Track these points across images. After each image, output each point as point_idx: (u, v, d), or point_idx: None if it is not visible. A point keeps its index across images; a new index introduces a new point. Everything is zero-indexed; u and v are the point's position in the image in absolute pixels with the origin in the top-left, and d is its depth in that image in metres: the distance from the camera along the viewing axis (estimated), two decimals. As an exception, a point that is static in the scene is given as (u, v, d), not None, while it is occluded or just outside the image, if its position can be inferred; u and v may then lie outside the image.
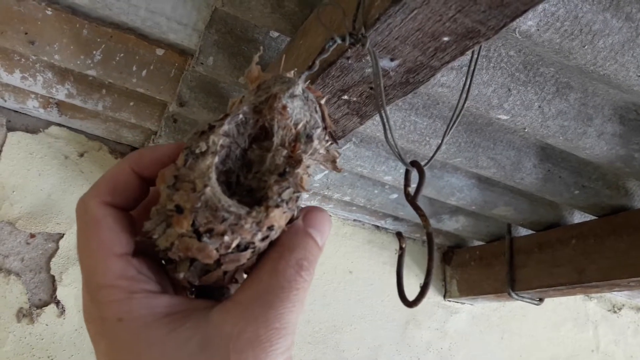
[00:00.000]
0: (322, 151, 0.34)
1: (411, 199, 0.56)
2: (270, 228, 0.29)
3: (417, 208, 0.52)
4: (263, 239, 0.29)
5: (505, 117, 0.83)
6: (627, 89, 0.73)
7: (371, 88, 0.55)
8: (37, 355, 1.13)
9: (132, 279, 0.29)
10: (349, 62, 0.51)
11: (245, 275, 0.32)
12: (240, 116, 0.33)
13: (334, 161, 0.35)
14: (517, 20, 0.63)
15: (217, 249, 0.28)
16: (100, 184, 0.31)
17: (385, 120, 0.52)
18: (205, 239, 0.28)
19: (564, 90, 0.82)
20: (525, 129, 0.86)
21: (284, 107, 0.33)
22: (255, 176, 0.32)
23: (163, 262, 0.31)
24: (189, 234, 0.28)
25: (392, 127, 0.54)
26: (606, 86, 0.79)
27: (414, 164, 0.66)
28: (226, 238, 0.28)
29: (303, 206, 0.32)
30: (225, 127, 0.31)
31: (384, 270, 1.49)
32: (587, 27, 0.65)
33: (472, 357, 1.59)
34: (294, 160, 0.33)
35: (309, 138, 0.34)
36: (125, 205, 0.31)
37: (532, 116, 0.83)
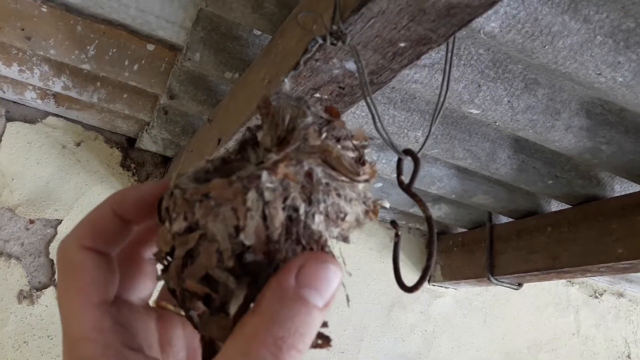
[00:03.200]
0: (315, 142, 0.33)
1: (406, 187, 0.60)
2: (207, 196, 0.28)
3: (413, 195, 0.56)
4: (205, 215, 0.27)
5: (476, 112, 0.88)
6: (589, 85, 0.78)
7: (340, 87, 0.60)
8: (37, 334, 1.19)
9: (107, 331, 0.27)
10: (318, 63, 0.56)
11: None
12: (247, 134, 0.34)
13: (331, 152, 0.32)
14: (481, 22, 0.68)
15: (169, 231, 0.29)
16: (80, 227, 0.30)
17: (373, 109, 0.56)
18: (164, 222, 0.29)
19: (532, 86, 0.87)
20: (496, 122, 0.91)
21: (268, 103, 0.36)
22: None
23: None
24: (158, 224, 0.30)
25: (380, 116, 0.58)
26: (571, 82, 0.84)
27: (408, 152, 0.70)
28: (173, 214, 0.28)
29: (301, 251, 0.28)
30: (236, 145, 0.31)
31: (370, 255, 1.55)
32: (547, 29, 0.69)
33: (455, 340, 1.65)
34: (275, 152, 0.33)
35: (295, 128, 0.34)
36: (107, 248, 0.30)
37: (502, 110, 0.88)
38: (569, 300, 1.89)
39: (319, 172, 0.30)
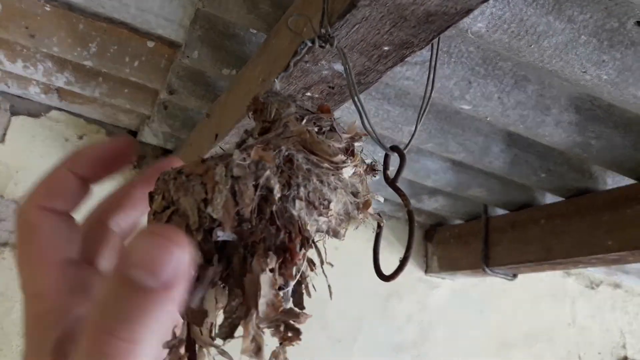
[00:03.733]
0: (294, 128, 0.34)
1: (391, 181, 0.63)
2: (180, 172, 0.29)
3: (397, 189, 0.58)
4: (178, 190, 0.28)
5: (467, 107, 0.90)
6: (576, 83, 0.80)
7: (330, 87, 0.63)
8: (41, 323, 1.23)
9: (62, 290, 0.27)
10: (307, 65, 0.58)
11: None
12: (244, 136, 0.36)
13: (306, 134, 0.32)
14: (468, 22, 0.71)
15: (153, 213, 0.29)
16: (36, 188, 0.29)
17: (360, 108, 0.59)
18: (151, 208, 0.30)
19: (522, 83, 0.89)
20: (487, 117, 0.93)
21: (257, 100, 0.38)
22: None
23: None
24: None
25: (367, 114, 0.60)
26: (560, 79, 0.86)
27: (394, 148, 0.72)
28: (155, 196, 0.30)
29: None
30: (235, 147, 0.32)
31: (368, 247, 1.56)
32: (532, 29, 0.72)
33: (451, 330, 1.68)
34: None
35: (277, 118, 0.36)
36: (64, 207, 0.29)
37: (492, 106, 0.90)
38: (566, 291, 1.92)
39: (299, 158, 0.30)
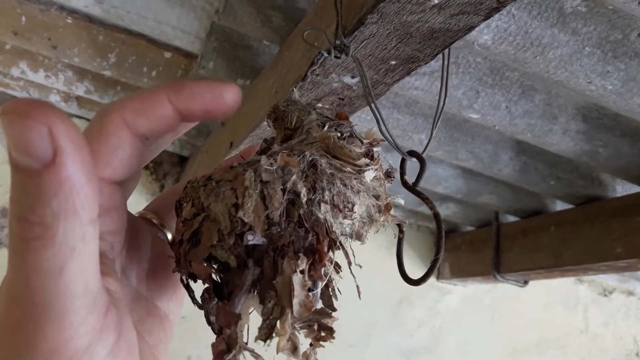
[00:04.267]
0: (316, 134, 0.34)
1: (412, 186, 0.64)
2: (209, 178, 0.29)
3: (418, 193, 0.60)
4: (209, 196, 0.29)
5: (476, 116, 0.92)
6: (581, 92, 0.82)
7: (340, 99, 0.65)
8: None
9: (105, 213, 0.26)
10: (318, 77, 0.61)
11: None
12: (263, 144, 0.37)
13: (329, 140, 0.33)
14: (474, 35, 0.73)
15: (182, 221, 0.30)
16: (129, 99, 0.26)
17: (377, 114, 0.60)
18: (179, 213, 0.31)
19: (529, 92, 0.91)
20: (495, 126, 0.95)
21: (277, 107, 0.39)
22: None
23: None
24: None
25: (385, 120, 0.62)
26: (566, 89, 0.88)
27: (412, 153, 0.74)
28: (184, 203, 0.31)
29: None
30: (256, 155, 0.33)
31: (379, 252, 1.60)
32: (537, 41, 0.73)
33: (463, 336, 1.69)
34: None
35: (300, 125, 0.36)
36: (146, 132, 0.27)
37: (500, 115, 0.92)
38: (578, 298, 1.92)
39: (323, 162, 0.31)
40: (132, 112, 0.26)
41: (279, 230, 0.28)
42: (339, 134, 0.35)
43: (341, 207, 0.30)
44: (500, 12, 0.70)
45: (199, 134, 1.23)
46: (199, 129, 1.22)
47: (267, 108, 0.81)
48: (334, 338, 0.28)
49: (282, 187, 0.28)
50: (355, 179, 0.32)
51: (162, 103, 0.26)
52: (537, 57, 0.75)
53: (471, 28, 0.47)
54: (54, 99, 1.30)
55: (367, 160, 0.34)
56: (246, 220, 0.27)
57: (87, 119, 1.39)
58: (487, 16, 0.46)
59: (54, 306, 0.21)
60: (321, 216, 0.29)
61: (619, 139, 0.96)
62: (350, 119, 0.69)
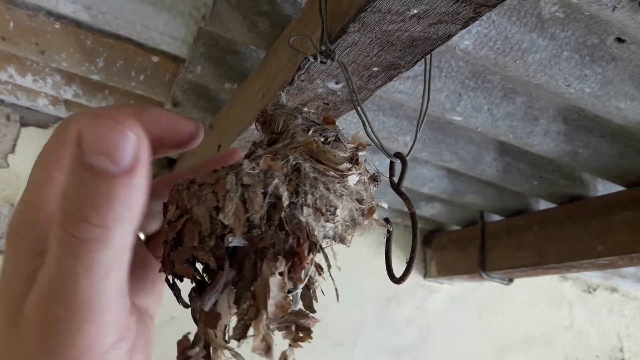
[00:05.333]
0: (301, 138, 0.35)
1: (396, 187, 0.66)
2: (192, 181, 0.30)
3: (401, 194, 0.61)
4: (191, 200, 0.29)
5: (459, 119, 0.94)
6: (560, 95, 0.84)
7: (325, 103, 0.67)
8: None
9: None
10: (303, 83, 0.62)
11: None
12: (252, 148, 0.37)
13: (312, 145, 0.33)
14: (455, 40, 0.75)
15: (168, 223, 0.31)
16: (101, 112, 0.25)
17: (363, 116, 0.62)
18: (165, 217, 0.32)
19: (511, 95, 0.93)
20: (478, 128, 0.97)
21: (265, 111, 0.40)
22: None
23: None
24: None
25: (370, 123, 0.64)
26: (546, 92, 0.90)
27: (397, 155, 0.75)
28: (170, 207, 0.31)
29: None
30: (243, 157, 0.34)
31: (367, 251, 1.61)
32: (516, 46, 0.75)
33: (450, 333, 1.72)
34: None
35: (285, 130, 0.37)
36: None
37: (482, 118, 0.94)
38: (563, 295, 1.95)
39: (306, 167, 0.31)
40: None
41: (259, 232, 0.29)
42: (323, 139, 0.36)
43: (323, 210, 0.31)
44: (480, 18, 0.72)
45: (187, 136, 1.24)
46: (187, 132, 1.23)
47: (254, 112, 0.82)
48: (311, 339, 0.29)
49: (263, 190, 0.29)
50: (338, 183, 0.33)
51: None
52: (517, 62, 0.77)
53: (449, 36, 0.49)
54: (42, 102, 1.30)
55: (349, 165, 0.34)
56: (226, 222, 0.28)
57: (75, 122, 1.39)
58: (465, 25, 0.48)
59: (96, 305, 0.22)
60: (303, 219, 0.30)
61: (599, 139, 0.99)
62: (337, 121, 0.71)
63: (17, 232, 0.26)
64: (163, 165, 1.46)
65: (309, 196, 0.31)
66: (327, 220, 0.32)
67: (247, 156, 0.36)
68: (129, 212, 0.21)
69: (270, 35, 0.80)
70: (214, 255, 0.28)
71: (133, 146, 0.21)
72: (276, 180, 0.30)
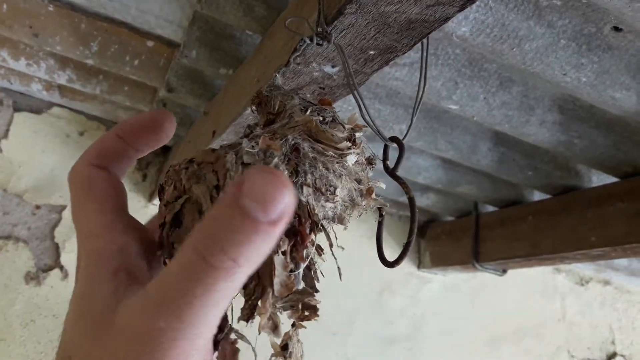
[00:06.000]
0: (299, 118, 0.35)
1: (391, 171, 0.65)
2: (191, 161, 0.30)
3: (397, 178, 0.61)
4: (190, 179, 0.29)
5: (455, 107, 0.94)
6: (556, 84, 0.84)
7: (321, 88, 0.66)
8: (43, 314, 1.26)
9: (117, 231, 0.29)
10: (299, 67, 0.62)
11: None
12: (247, 130, 0.37)
13: (311, 123, 0.33)
14: (452, 27, 0.74)
15: (165, 204, 0.31)
16: (88, 151, 0.32)
17: (359, 100, 0.61)
18: (161, 199, 0.31)
19: (507, 84, 0.93)
20: (474, 117, 0.97)
21: (260, 93, 0.39)
22: None
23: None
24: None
25: (367, 107, 0.63)
26: (542, 81, 0.90)
27: (394, 139, 0.75)
28: (167, 187, 0.31)
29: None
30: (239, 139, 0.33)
31: (361, 242, 1.61)
32: (514, 33, 0.75)
33: (443, 323, 1.72)
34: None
35: (283, 109, 0.36)
36: (113, 166, 0.32)
37: (478, 106, 0.94)
38: (556, 287, 1.96)
39: (305, 146, 0.31)
40: (95, 157, 0.31)
41: None
42: (321, 118, 0.35)
43: (323, 190, 0.31)
44: (478, 4, 0.72)
45: (181, 123, 1.23)
46: (181, 119, 1.22)
47: (249, 97, 0.82)
48: (317, 316, 0.29)
49: None
50: (337, 162, 0.33)
51: (113, 141, 0.32)
52: (514, 49, 0.77)
53: (447, 19, 0.48)
54: (35, 87, 1.29)
55: (349, 144, 0.34)
56: None
57: (69, 108, 1.38)
58: (462, 7, 0.47)
59: (197, 328, 0.24)
60: (303, 199, 0.30)
61: (594, 130, 0.99)
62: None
63: (91, 258, 0.29)
64: (157, 153, 1.45)
65: (309, 175, 0.31)
66: (327, 200, 0.32)
67: (245, 136, 0.35)
68: (259, 257, 0.23)
69: (266, 19, 0.80)
70: None
71: (285, 203, 0.23)
72: (276, 160, 0.29)
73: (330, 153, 0.32)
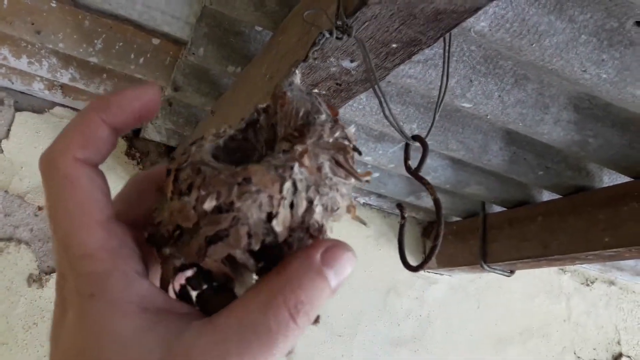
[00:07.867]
0: (328, 139, 0.34)
1: (414, 171, 0.63)
2: (248, 181, 0.28)
3: (420, 178, 0.58)
4: (242, 197, 0.27)
5: (468, 105, 0.92)
6: (575, 81, 0.82)
7: (337, 84, 0.64)
8: (46, 317, 1.24)
9: (114, 252, 0.26)
10: (316, 62, 0.60)
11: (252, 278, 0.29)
12: (255, 115, 0.35)
13: (344, 151, 0.33)
14: (471, 21, 0.72)
15: (194, 208, 0.28)
16: (69, 137, 0.27)
17: (381, 96, 0.59)
18: (184, 197, 0.28)
19: (522, 82, 0.91)
20: (487, 115, 0.95)
21: (284, 93, 0.38)
22: None
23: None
24: (173, 196, 0.29)
25: (389, 104, 0.61)
26: (559, 78, 0.88)
27: (416, 137, 0.72)
28: (202, 191, 0.28)
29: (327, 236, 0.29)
30: (243, 125, 0.33)
31: (367, 243, 1.59)
32: (534, 28, 0.73)
33: (449, 324, 1.70)
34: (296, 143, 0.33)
35: (311, 123, 0.35)
36: (98, 159, 0.28)
37: (493, 104, 0.92)
38: (561, 288, 1.94)
39: (327, 167, 0.31)
40: (80, 149, 0.27)
41: (290, 234, 0.29)
42: (345, 139, 0.35)
43: (330, 210, 0.31)
44: (499, -2, 0.70)
45: (186, 123, 1.21)
46: (187, 118, 1.20)
47: (260, 94, 0.79)
48: (319, 322, 0.30)
49: (306, 196, 0.29)
50: (344, 183, 0.32)
51: (98, 128, 0.27)
52: (533, 45, 0.75)
53: (477, 9, 0.46)
54: (37, 86, 1.27)
55: (367, 177, 0.34)
56: (277, 230, 0.28)
57: (72, 108, 1.35)
58: (494, -2, 0.45)
59: None
60: (319, 219, 0.30)
61: (609, 129, 0.97)
62: (341, 108, 0.68)
63: (96, 286, 0.26)
64: (161, 153, 1.43)
65: (324, 197, 0.30)
66: (332, 218, 0.32)
67: (251, 123, 0.34)
68: (291, 345, 0.26)
69: (277, 14, 0.77)
70: (253, 257, 0.28)
71: (349, 273, 0.27)
72: (313, 186, 0.30)
73: (352, 181, 0.32)
